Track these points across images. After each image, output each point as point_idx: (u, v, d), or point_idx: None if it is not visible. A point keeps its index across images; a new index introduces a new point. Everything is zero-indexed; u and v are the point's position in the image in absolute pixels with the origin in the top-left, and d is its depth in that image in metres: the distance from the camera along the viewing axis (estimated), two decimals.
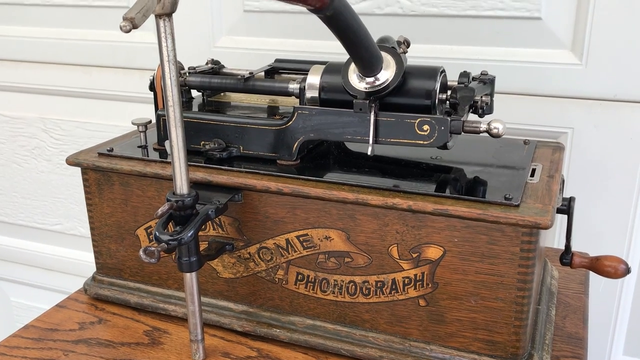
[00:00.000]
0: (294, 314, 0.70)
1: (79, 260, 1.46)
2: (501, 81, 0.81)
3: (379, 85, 0.64)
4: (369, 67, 0.63)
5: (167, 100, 0.57)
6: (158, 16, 0.54)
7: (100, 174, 0.74)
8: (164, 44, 0.55)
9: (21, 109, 1.39)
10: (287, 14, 1.06)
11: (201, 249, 0.65)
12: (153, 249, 0.57)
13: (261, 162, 0.70)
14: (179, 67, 0.77)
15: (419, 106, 0.64)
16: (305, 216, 0.65)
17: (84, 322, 0.75)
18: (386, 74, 0.64)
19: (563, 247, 0.74)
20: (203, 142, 0.72)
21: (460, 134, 0.64)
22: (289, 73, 0.82)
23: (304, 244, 0.66)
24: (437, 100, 0.64)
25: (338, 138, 0.67)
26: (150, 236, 0.74)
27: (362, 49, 0.60)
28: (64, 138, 1.36)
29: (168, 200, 0.59)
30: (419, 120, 0.63)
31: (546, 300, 0.74)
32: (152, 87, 0.77)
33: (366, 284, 0.65)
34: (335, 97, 0.67)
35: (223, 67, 0.84)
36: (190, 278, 0.63)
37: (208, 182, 0.67)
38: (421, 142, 0.64)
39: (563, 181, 0.73)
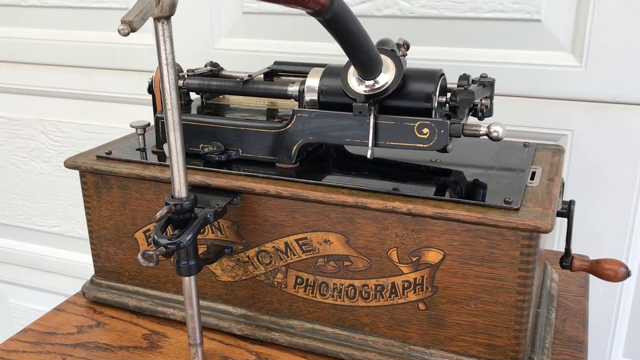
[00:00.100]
0: (293, 318, 0.69)
1: (78, 263, 1.45)
2: (501, 83, 0.81)
3: (379, 88, 0.64)
4: (368, 70, 0.63)
5: (166, 104, 0.56)
6: (156, 19, 0.53)
7: (99, 177, 0.73)
8: (162, 47, 0.54)
9: (20, 110, 1.39)
10: (286, 16, 1.06)
11: (200, 252, 0.65)
12: (151, 252, 0.57)
13: (260, 165, 0.70)
14: (178, 69, 0.77)
15: (418, 109, 0.64)
16: (304, 219, 0.65)
17: (82, 325, 0.75)
18: (386, 77, 0.64)
19: (563, 250, 0.74)
20: (202, 145, 0.72)
21: (460, 137, 0.63)
22: (288, 75, 0.82)
23: (303, 247, 0.66)
24: (436, 103, 0.64)
25: (337, 141, 0.67)
26: (149, 239, 0.74)
27: (361, 52, 0.59)
28: (63, 140, 1.36)
29: (166, 204, 0.59)
30: (418, 123, 0.63)
31: (546, 303, 0.74)
32: (150, 89, 0.76)
33: (365, 287, 0.65)
34: (334, 100, 0.67)
35: (222, 69, 0.84)
36: (189, 282, 0.62)
37: (207, 185, 0.67)
38: (421, 145, 0.63)
39: (563, 184, 0.73)
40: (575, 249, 0.76)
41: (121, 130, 1.23)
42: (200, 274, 0.71)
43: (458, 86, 0.67)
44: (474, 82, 0.70)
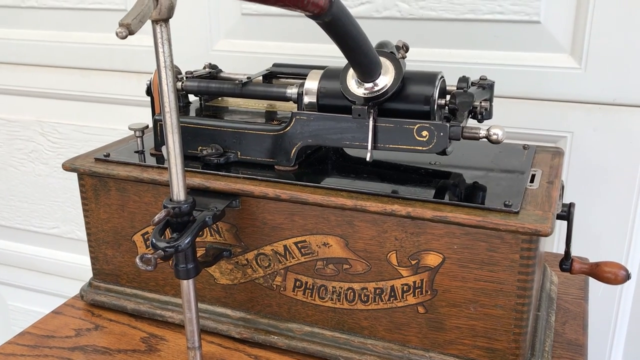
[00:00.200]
0: (292, 321, 0.69)
1: (76, 264, 1.45)
2: (500, 85, 0.81)
3: (378, 90, 0.63)
4: (367, 72, 0.62)
5: (164, 107, 0.56)
6: (155, 22, 0.53)
7: (97, 179, 0.73)
8: (160, 50, 0.54)
9: (18, 111, 1.39)
10: (285, 17, 1.06)
11: (198, 255, 0.64)
12: (150, 256, 0.57)
13: (259, 168, 0.69)
14: (176, 71, 0.77)
15: (417, 112, 0.64)
16: (303, 222, 0.65)
17: (80, 328, 0.74)
18: (385, 80, 0.63)
19: (562, 252, 0.74)
20: (200, 148, 0.72)
21: (459, 139, 0.63)
22: (287, 77, 0.82)
23: (302, 250, 0.66)
24: (435, 106, 0.64)
25: (336, 144, 0.67)
26: (147, 242, 0.73)
27: (360, 55, 0.59)
28: (61, 141, 1.35)
29: (165, 207, 0.59)
30: (417, 126, 0.63)
31: (546, 306, 0.74)
32: (149, 91, 0.76)
33: (365, 290, 0.65)
34: (333, 102, 0.67)
35: (221, 71, 0.83)
36: (187, 285, 0.62)
37: (205, 188, 0.67)
38: (420, 148, 0.63)
39: (563, 187, 0.73)
40: (574, 251, 0.75)
41: (120, 131, 1.23)
42: (199, 277, 0.71)
43: (457, 88, 0.67)
44: (473, 84, 0.70)
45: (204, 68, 0.83)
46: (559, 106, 0.94)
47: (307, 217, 0.64)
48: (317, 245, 0.65)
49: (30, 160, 1.41)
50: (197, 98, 0.83)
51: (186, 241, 0.58)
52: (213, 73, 0.82)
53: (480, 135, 0.63)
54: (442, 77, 0.66)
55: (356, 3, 1.00)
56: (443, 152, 0.64)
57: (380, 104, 0.64)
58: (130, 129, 0.76)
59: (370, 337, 0.66)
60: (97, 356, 0.69)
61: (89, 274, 0.81)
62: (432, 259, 0.61)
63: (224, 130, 0.71)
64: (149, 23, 0.52)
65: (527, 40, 0.93)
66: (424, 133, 0.63)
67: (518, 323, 0.60)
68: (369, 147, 0.64)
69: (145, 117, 1.11)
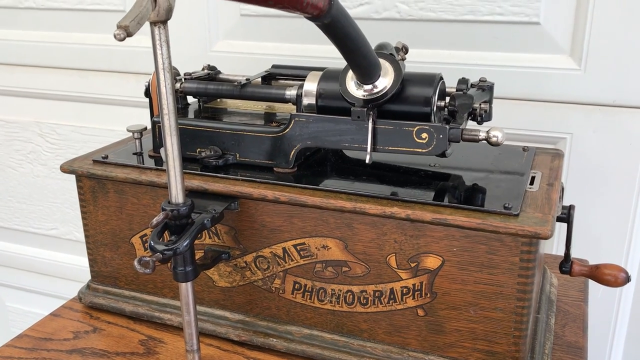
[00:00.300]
0: (291, 324, 0.69)
1: (75, 265, 1.45)
2: (499, 86, 0.81)
3: (377, 92, 0.63)
4: (367, 74, 0.62)
5: (162, 109, 0.56)
6: (153, 23, 0.53)
7: (95, 181, 0.73)
8: (158, 52, 0.54)
9: (17, 113, 1.38)
10: (283, 18, 1.06)
11: (197, 257, 0.64)
12: (148, 259, 0.56)
13: (258, 170, 0.69)
14: (175, 72, 0.76)
15: (417, 114, 0.64)
16: (302, 225, 0.65)
17: (78, 331, 0.74)
18: (384, 82, 0.63)
19: (562, 254, 0.74)
20: (199, 150, 0.71)
21: (458, 142, 0.63)
22: (286, 79, 0.81)
23: (301, 253, 0.66)
24: (435, 108, 0.64)
25: (335, 146, 0.66)
26: (146, 244, 0.73)
27: (360, 57, 0.59)
28: (60, 142, 1.35)
29: (163, 210, 0.58)
30: (417, 128, 0.63)
31: (545, 308, 0.73)
32: (147, 93, 0.76)
33: (364, 293, 0.64)
34: (332, 104, 0.67)
35: (219, 72, 0.83)
36: (186, 288, 0.62)
37: (204, 190, 0.67)
38: (419, 150, 0.63)
39: (562, 189, 0.73)
40: (574, 252, 0.75)
41: (118, 132, 1.23)
42: (198, 280, 0.70)
43: (457, 90, 0.67)
44: (472, 86, 0.70)
45: (203, 69, 0.82)
46: (558, 107, 0.93)
47: (306, 219, 0.64)
48: (316, 248, 0.65)
49: (28, 161, 1.41)
50: (196, 99, 0.83)
51: (184, 244, 0.58)
52: (212, 74, 0.82)
53: (480, 137, 0.62)
54: (442, 78, 0.66)
55: (355, 4, 0.99)
56: (442, 154, 0.64)
57: (379, 106, 0.64)
58: (128, 130, 0.76)
59: (369, 340, 0.66)
60: (96, 359, 0.69)
61: (87, 276, 0.81)
62: (432, 262, 0.61)
63: (222, 132, 0.70)
64: (147, 24, 0.52)
65: (527, 41, 0.92)
66: (424, 135, 0.63)
67: (518, 326, 0.59)
68: (368, 149, 0.64)
69: (143, 118, 1.11)
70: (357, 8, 0.99)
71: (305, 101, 0.68)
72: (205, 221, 0.61)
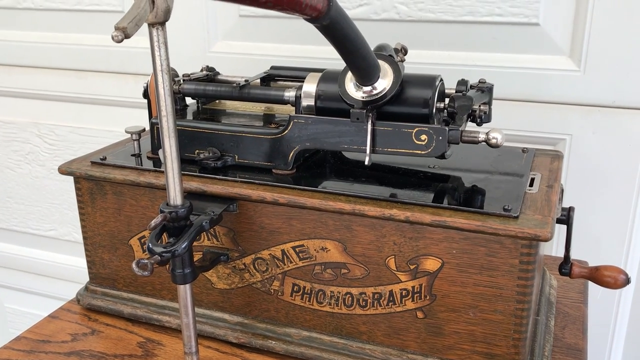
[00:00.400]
0: (289, 326, 0.69)
1: (73, 266, 1.44)
2: (499, 87, 0.81)
3: (377, 94, 0.63)
4: (366, 76, 0.62)
5: (161, 110, 0.56)
6: (151, 25, 0.53)
7: (93, 183, 0.72)
8: (157, 53, 0.54)
9: (15, 113, 1.38)
10: (282, 19, 1.05)
11: (195, 259, 0.64)
12: (146, 261, 0.56)
13: (256, 172, 0.69)
14: (173, 74, 0.76)
15: (416, 115, 0.64)
16: (301, 227, 0.64)
17: (76, 333, 0.74)
18: (383, 83, 0.63)
19: (561, 255, 0.73)
20: (197, 151, 0.71)
21: (458, 143, 0.63)
22: (285, 80, 0.81)
23: (300, 254, 0.65)
24: (434, 109, 0.64)
25: (334, 147, 0.66)
26: (144, 246, 0.73)
27: (359, 58, 0.59)
28: (58, 143, 1.35)
29: (161, 212, 0.58)
30: (416, 129, 0.62)
31: (545, 310, 0.73)
32: (146, 94, 0.76)
33: (363, 295, 0.64)
34: (331, 105, 0.67)
35: (218, 74, 0.83)
36: (184, 290, 0.61)
37: (202, 192, 0.66)
38: (419, 151, 0.63)
39: (562, 190, 0.73)
40: (573, 253, 0.75)
41: (116, 133, 1.23)
42: (196, 281, 0.70)
43: (456, 92, 0.66)
44: (472, 87, 0.69)
45: (201, 70, 0.82)
46: (558, 108, 0.93)
47: (305, 221, 0.64)
48: (315, 250, 0.65)
49: (27, 162, 1.40)
50: (195, 101, 0.82)
51: (183, 246, 0.58)
52: (210, 76, 0.81)
53: (480, 139, 0.62)
54: (441, 80, 0.66)
55: (354, 5, 0.99)
56: (442, 156, 0.64)
57: (378, 108, 0.64)
58: (126, 132, 0.76)
59: (368, 342, 0.66)
60: None
61: (86, 277, 0.80)
62: (431, 264, 0.60)
63: (221, 133, 0.70)
64: (145, 25, 0.52)
65: (526, 42, 0.92)
66: (423, 137, 0.62)
67: (517, 328, 0.59)
68: (368, 151, 0.64)
69: (142, 119, 1.10)
70: (356, 9, 0.99)
71: (304, 102, 0.68)
72: (203, 223, 0.61)
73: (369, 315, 0.65)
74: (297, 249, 0.65)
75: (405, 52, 0.71)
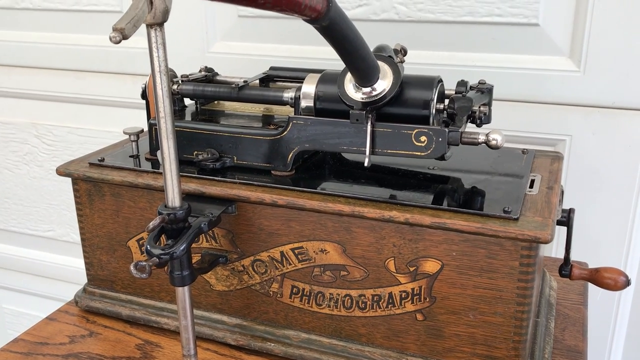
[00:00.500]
0: (288, 328, 0.68)
1: (72, 267, 1.44)
2: (498, 88, 0.80)
3: (376, 95, 0.63)
4: (365, 77, 0.62)
5: (159, 112, 0.55)
6: (149, 26, 0.52)
7: (91, 184, 0.72)
8: (155, 54, 0.53)
9: (13, 114, 1.38)
10: (281, 20, 1.05)
11: (194, 261, 0.63)
12: (144, 263, 0.56)
13: (255, 173, 0.68)
14: (172, 74, 0.76)
15: (416, 116, 0.63)
16: (300, 228, 0.64)
17: (74, 335, 0.73)
18: (383, 84, 0.63)
19: (561, 256, 0.73)
20: (196, 152, 0.71)
21: (458, 145, 0.62)
22: (284, 81, 0.81)
23: (299, 256, 0.65)
24: (434, 111, 0.63)
25: (334, 149, 0.66)
26: (142, 248, 0.72)
27: (358, 59, 0.58)
28: (56, 144, 1.34)
29: (160, 213, 0.58)
30: (416, 131, 0.62)
31: (545, 312, 0.73)
32: (144, 95, 0.75)
33: (362, 297, 0.64)
34: (331, 106, 0.66)
35: (217, 74, 0.83)
36: (183, 292, 0.61)
37: (201, 194, 0.66)
38: (418, 153, 0.63)
39: (562, 192, 0.72)
40: (573, 255, 0.75)
41: (115, 134, 1.22)
42: (195, 283, 0.70)
43: (456, 93, 0.66)
44: (472, 88, 0.69)
45: (200, 71, 0.82)
46: (557, 109, 0.93)
47: (304, 223, 0.64)
48: (314, 252, 0.64)
49: (25, 162, 1.40)
50: (193, 101, 0.82)
51: (181, 248, 0.58)
52: (209, 76, 0.81)
53: (479, 140, 0.62)
54: (441, 80, 0.66)
55: (353, 5, 0.99)
56: (442, 157, 0.64)
57: (378, 109, 0.64)
58: (125, 133, 0.75)
59: (368, 345, 0.65)
60: None
61: (84, 278, 0.80)
62: (431, 266, 0.60)
63: (220, 134, 0.70)
64: (144, 26, 0.51)
65: (526, 43, 0.92)
66: (423, 138, 0.62)
67: (517, 330, 0.59)
68: (367, 152, 0.63)
69: (140, 119, 1.10)
70: (355, 9, 0.99)
71: (304, 104, 0.68)
72: (202, 225, 0.60)
73: (368, 317, 0.64)
74: (296, 251, 0.65)
75: (405, 53, 0.71)
